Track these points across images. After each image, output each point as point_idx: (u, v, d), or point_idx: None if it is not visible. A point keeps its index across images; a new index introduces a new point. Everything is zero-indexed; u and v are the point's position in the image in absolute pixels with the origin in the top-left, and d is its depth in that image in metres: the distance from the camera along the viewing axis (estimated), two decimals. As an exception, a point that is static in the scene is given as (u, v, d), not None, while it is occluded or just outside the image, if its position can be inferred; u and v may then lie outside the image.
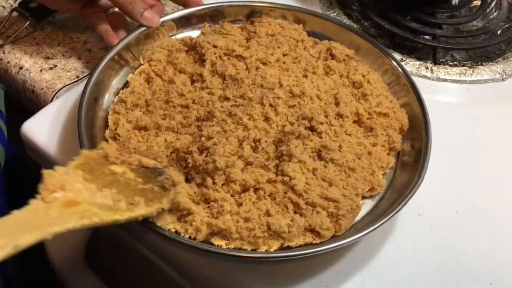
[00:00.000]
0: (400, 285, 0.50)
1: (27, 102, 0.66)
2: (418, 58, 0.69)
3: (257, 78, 0.56)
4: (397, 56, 0.68)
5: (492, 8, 0.77)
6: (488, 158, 0.60)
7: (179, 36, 0.64)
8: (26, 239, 0.37)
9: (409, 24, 0.72)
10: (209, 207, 0.48)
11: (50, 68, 0.66)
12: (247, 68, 0.58)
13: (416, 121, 0.56)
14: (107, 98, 0.57)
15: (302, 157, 0.50)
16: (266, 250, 0.46)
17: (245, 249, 0.46)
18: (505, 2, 0.77)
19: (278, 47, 0.60)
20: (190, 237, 0.47)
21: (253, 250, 0.46)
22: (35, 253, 0.66)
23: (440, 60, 0.69)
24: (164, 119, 0.54)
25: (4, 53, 0.67)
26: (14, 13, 0.69)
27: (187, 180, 0.50)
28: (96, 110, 0.55)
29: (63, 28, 0.70)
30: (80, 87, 0.61)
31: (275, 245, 0.46)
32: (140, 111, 0.55)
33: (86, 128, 0.52)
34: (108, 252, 0.70)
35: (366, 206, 0.51)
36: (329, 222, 0.47)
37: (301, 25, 0.65)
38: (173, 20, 0.63)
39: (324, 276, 0.49)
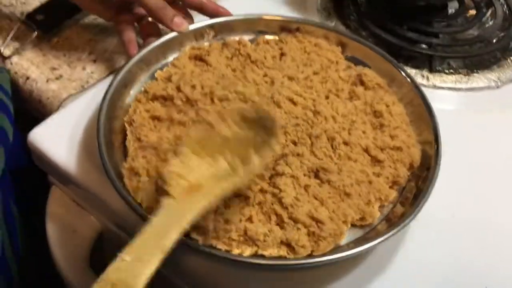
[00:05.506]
0: (396, 288, 0.51)
1: (33, 111, 0.68)
2: (415, 67, 0.71)
3: (275, 92, 0.57)
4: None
5: (488, 17, 0.78)
6: (484, 164, 0.61)
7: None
8: (170, 240, 0.38)
9: (406, 33, 0.73)
10: None
11: (56, 78, 0.67)
12: (272, 81, 0.59)
13: (428, 161, 0.55)
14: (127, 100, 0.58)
15: (295, 173, 0.50)
16: (239, 254, 0.47)
17: (219, 249, 0.47)
18: (500, 11, 0.78)
19: (310, 65, 0.61)
20: None
21: (227, 251, 0.47)
22: (39, 257, 0.67)
23: (437, 68, 0.70)
24: (179, 113, 0.55)
25: (11, 64, 0.69)
26: (21, 26, 0.71)
27: None
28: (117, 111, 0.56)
29: (69, 40, 0.72)
30: (85, 97, 0.63)
31: (248, 250, 0.47)
32: (159, 103, 0.56)
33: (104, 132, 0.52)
34: (113, 257, 0.71)
35: (354, 234, 0.50)
36: (306, 240, 0.47)
37: (339, 47, 0.65)
38: (203, 28, 0.64)
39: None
